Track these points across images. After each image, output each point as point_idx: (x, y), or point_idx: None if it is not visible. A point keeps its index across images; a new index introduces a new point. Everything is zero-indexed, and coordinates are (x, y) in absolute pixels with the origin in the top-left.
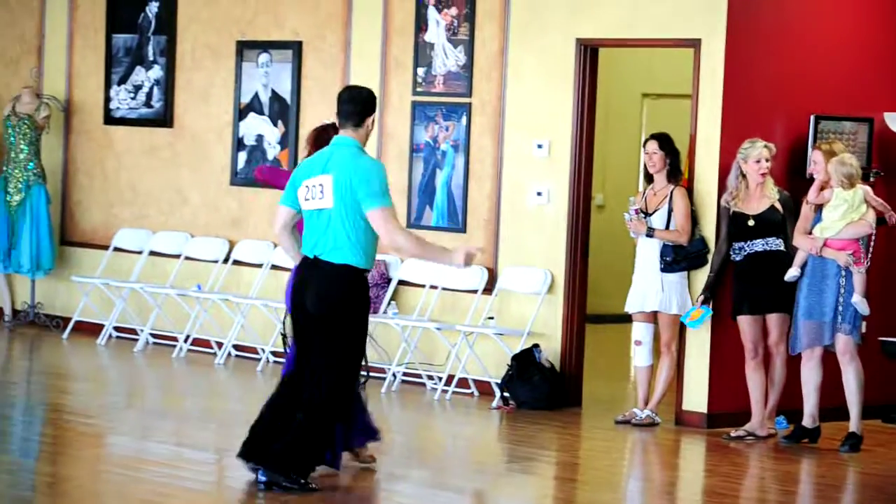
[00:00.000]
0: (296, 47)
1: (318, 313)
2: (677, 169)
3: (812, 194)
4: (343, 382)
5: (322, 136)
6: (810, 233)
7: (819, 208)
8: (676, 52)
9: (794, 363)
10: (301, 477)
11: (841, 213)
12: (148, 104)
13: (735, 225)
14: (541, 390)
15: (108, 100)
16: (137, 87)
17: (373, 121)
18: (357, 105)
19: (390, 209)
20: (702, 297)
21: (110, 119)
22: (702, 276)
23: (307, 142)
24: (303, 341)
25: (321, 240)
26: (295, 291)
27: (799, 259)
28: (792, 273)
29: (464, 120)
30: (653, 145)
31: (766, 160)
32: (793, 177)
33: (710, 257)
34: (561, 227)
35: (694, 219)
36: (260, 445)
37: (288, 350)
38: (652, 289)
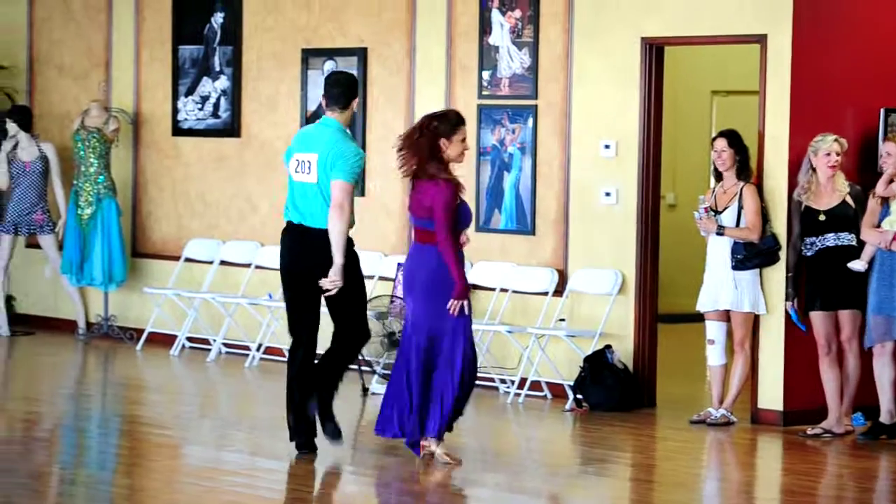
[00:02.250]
0: (360, 54)
1: (321, 275)
2: (747, 166)
3: (880, 187)
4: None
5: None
6: (878, 226)
7: (886, 201)
8: (746, 48)
9: (868, 359)
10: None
11: None
12: (215, 114)
13: (806, 220)
14: (614, 392)
15: (175, 111)
16: (205, 98)
17: (357, 104)
18: (343, 88)
19: (350, 185)
20: (794, 298)
21: (178, 130)
22: (774, 273)
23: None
24: (298, 301)
25: (309, 210)
26: (285, 255)
27: (867, 253)
28: (857, 265)
29: (530, 122)
30: (721, 143)
31: (837, 154)
32: (864, 171)
33: (781, 254)
34: (630, 227)
35: (764, 216)
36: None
37: (362, 357)
38: (724, 287)
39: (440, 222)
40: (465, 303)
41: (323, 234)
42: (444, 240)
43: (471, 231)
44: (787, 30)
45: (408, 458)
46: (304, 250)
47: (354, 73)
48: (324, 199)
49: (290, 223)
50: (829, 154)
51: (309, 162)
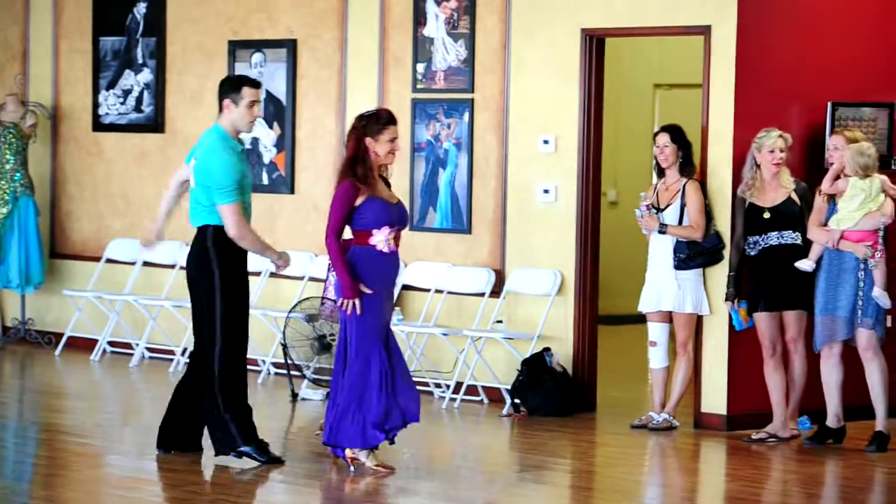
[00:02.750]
0: (290, 46)
1: (188, 275)
2: (690, 162)
3: (826, 184)
4: (220, 337)
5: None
6: (825, 225)
7: (833, 199)
8: (690, 40)
9: (815, 361)
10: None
11: (858, 203)
12: (138, 109)
13: (750, 217)
14: (553, 396)
15: (96, 105)
16: (127, 92)
17: (231, 103)
18: (217, 92)
19: (235, 205)
20: (735, 297)
21: (99, 125)
22: (717, 272)
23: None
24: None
25: (195, 211)
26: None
27: (814, 252)
28: (804, 265)
29: (466, 117)
30: (664, 138)
31: (781, 150)
32: (810, 167)
33: (725, 253)
34: (570, 225)
35: (708, 213)
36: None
37: (291, 361)
38: (666, 287)
39: (328, 221)
40: (357, 303)
41: (199, 231)
42: (326, 238)
43: (404, 230)
44: (731, 21)
45: (339, 466)
46: (189, 253)
47: (283, 66)
48: (200, 201)
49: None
50: (772, 150)
51: (192, 168)
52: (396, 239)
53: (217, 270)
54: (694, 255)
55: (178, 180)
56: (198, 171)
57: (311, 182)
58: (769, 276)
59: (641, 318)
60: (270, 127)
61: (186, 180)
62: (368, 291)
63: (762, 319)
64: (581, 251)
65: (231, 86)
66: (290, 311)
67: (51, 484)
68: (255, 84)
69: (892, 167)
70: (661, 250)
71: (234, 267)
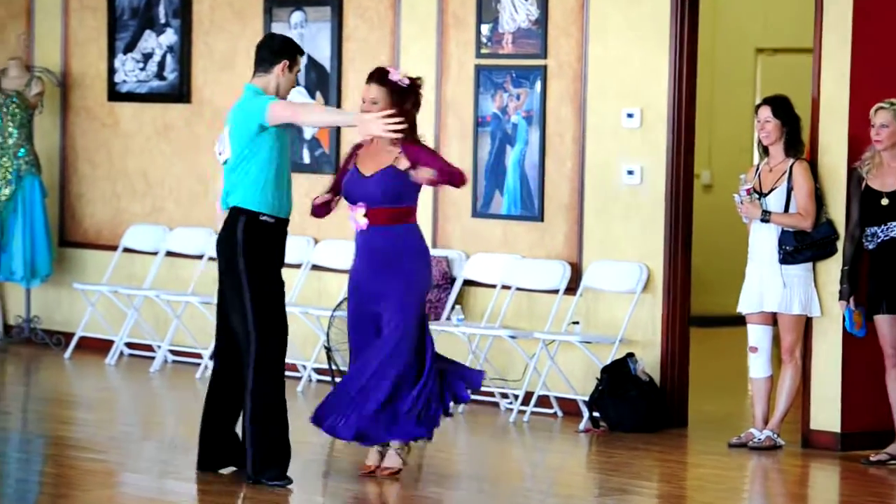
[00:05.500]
0: (335, 3)
1: (218, 264)
2: (797, 139)
3: None
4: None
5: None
6: None
7: None
8: None
9: None
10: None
11: None
12: (160, 76)
13: (867, 204)
14: (638, 408)
15: (112, 71)
16: (147, 56)
17: (286, 66)
18: (267, 49)
19: (275, 101)
20: (850, 296)
21: (115, 94)
22: (830, 267)
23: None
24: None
25: (229, 189)
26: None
27: None
28: None
29: (538, 86)
30: (765, 112)
31: (884, 125)
32: None
33: (839, 245)
34: (658, 212)
35: (819, 199)
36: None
37: (336, 366)
38: (770, 285)
39: None
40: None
41: (231, 216)
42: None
43: (466, 216)
44: None
45: (386, 485)
46: (219, 239)
47: (327, 27)
48: (241, 176)
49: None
50: (873, 125)
51: (224, 137)
52: (370, 216)
53: (243, 260)
54: (802, 247)
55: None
56: (235, 134)
57: None
58: (891, 272)
59: (741, 320)
60: (312, 96)
61: None
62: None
63: (884, 323)
64: (671, 242)
65: (292, 48)
66: (334, 310)
67: None
68: (303, 52)
69: None
70: (763, 242)
71: (265, 258)
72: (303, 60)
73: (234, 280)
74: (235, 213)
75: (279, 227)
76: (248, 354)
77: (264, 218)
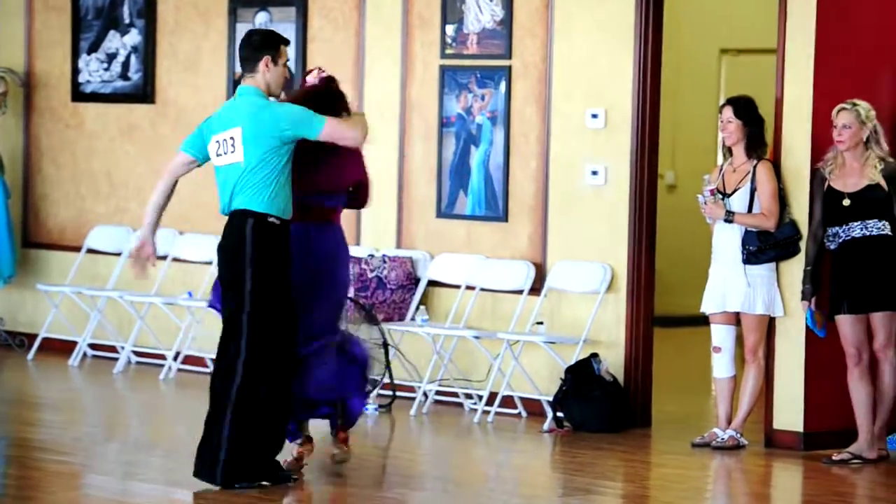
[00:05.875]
0: (300, 4)
1: (225, 265)
2: (759, 140)
3: None
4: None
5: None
6: None
7: None
8: None
9: None
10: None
11: None
12: (124, 76)
13: (829, 204)
14: (601, 409)
15: (76, 72)
16: (111, 56)
17: (270, 61)
18: (250, 48)
19: (329, 119)
20: (812, 296)
21: (79, 95)
22: (793, 267)
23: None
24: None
25: (234, 193)
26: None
27: None
28: None
29: (503, 86)
30: (727, 112)
31: (845, 126)
32: None
33: (802, 245)
34: (621, 212)
35: (782, 199)
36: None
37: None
38: (733, 285)
39: None
40: None
41: (243, 219)
42: None
43: (430, 216)
44: None
45: (350, 485)
46: (227, 242)
47: (292, 27)
48: (253, 181)
49: (229, 215)
50: (835, 126)
51: (232, 138)
52: None
53: (250, 260)
54: (766, 247)
55: (176, 168)
56: (255, 141)
57: None
58: (853, 273)
59: (704, 320)
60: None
61: (192, 161)
62: None
63: (846, 323)
64: (634, 242)
65: (270, 42)
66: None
67: None
68: (287, 41)
69: None
70: (727, 242)
71: (273, 259)
72: (289, 50)
73: (239, 280)
74: (242, 215)
75: (284, 228)
76: (239, 352)
77: (272, 219)
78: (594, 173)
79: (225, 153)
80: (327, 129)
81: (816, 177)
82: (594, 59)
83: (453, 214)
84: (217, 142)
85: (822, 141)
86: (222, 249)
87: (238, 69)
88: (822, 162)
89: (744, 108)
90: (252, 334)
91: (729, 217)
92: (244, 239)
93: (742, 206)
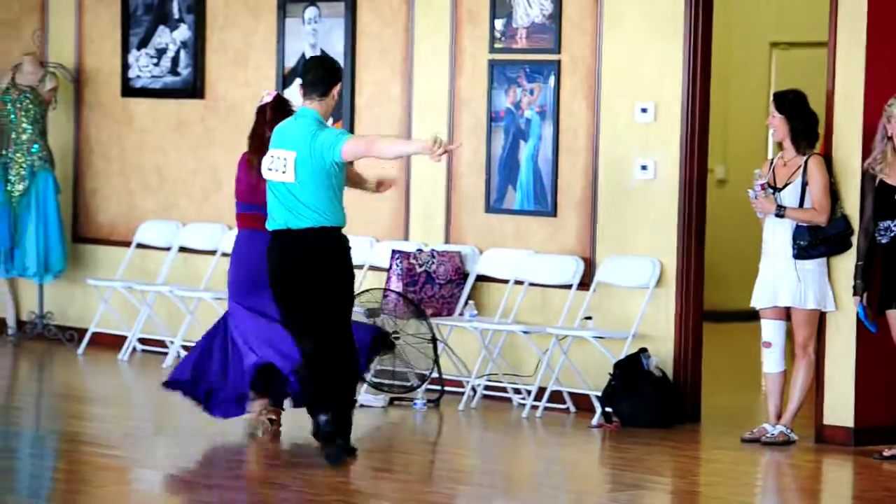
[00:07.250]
0: (349, 0)
1: (301, 280)
2: (804, 134)
3: None
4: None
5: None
6: None
7: None
8: None
9: None
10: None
11: None
12: (174, 71)
13: (881, 198)
14: (650, 404)
15: (126, 67)
16: (161, 52)
17: (339, 91)
18: (321, 72)
19: (350, 135)
20: (864, 291)
21: (129, 90)
22: (844, 262)
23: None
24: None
25: (289, 213)
26: (272, 263)
27: None
28: None
29: (552, 81)
30: (771, 107)
31: None
32: None
33: (853, 240)
34: (671, 207)
35: (834, 193)
36: None
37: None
38: (784, 280)
39: None
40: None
41: (311, 234)
42: None
43: (479, 211)
44: None
45: (399, 481)
46: (290, 257)
47: (340, 22)
48: (302, 201)
49: (273, 232)
50: (890, 119)
51: (284, 159)
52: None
53: (332, 269)
54: (817, 242)
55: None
56: (306, 165)
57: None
58: None
59: (754, 315)
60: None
61: None
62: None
63: None
64: (684, 237)
65: (340, 71)
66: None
67: (71, 501)
68: None
69: None
70: (778, 237)
71: (348, 267)
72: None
73: (316, 286)
74: (315, 233)
75: (342, 237)
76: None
77: (331, 229)
78: (643, 168)
79: (276, 170)
80: (348, 149)
81: (866, 176)
82: (643, 53)
83: (502, 209)
84: (272, 157)
85: (873, 134)
86: (284, 262)
87: (288, 64)
88: (871, 161)
89: (788, 102)
90: (333, 328)
91: (780, 212)
92: (311, 252)
93: (793, 200)
